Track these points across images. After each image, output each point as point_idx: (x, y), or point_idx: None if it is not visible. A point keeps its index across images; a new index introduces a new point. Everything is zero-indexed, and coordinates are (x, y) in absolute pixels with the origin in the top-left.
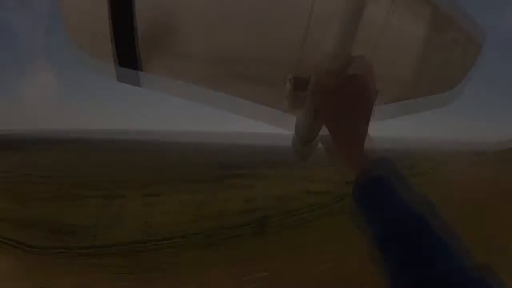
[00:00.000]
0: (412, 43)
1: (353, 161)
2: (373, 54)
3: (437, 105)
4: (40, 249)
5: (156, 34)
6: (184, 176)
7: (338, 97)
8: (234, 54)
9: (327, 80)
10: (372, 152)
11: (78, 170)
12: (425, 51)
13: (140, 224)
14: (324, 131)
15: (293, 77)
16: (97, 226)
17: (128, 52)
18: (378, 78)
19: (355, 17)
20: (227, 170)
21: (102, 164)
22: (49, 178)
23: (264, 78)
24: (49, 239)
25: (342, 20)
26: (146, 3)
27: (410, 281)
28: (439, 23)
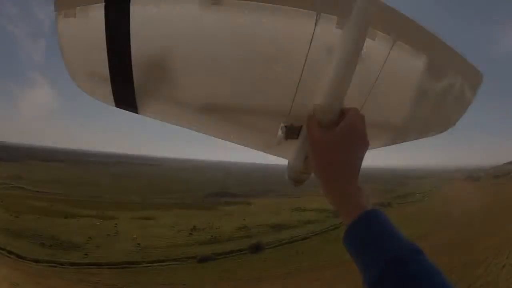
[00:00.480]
0: (407, 91)
1: (342, 210)
2: (369, 101)
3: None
4: (31, 261)
5: (152, 82)
6: (178, 201)
7: (328, 149)
8: (228, 104)
9: (318, 132)
10: (361, 202)
11: (72, 188)
12: (420, 98)
13: (132, 246)
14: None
15: (285, 126)
16: (88, 244)
17: (125, 96)
18: (373, 124)
19: (348, 74)
20: (221, 197)
21: (95, 184)
22: (43, 194)
23: (257, 126)
24: (40, 253)
25: (334, 75)
26: (143, 53)
27: None
28: (434, 71)
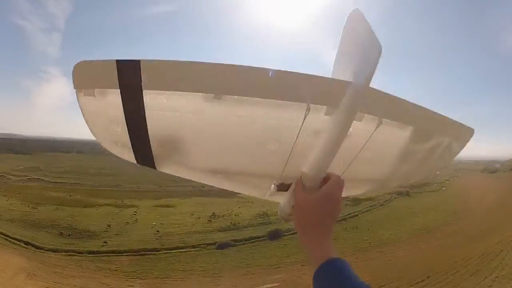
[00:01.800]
0: (392, 155)
1: (312, 258)
2: (354, 164)
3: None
4: (49, 251)
5: (167, 151)
6: (197, 189)
7: (307, 210)
8: (230, 170)
9: (302, 195)
10: (327, 254)
11: (90, 178)
12: (404, 159)
13: (151, 233)
14: None
15: (277, 184)
16: (108, 232)
17: (145, 160)
18: (358, 179)
19: (332, 152)
20: None
21: (114, 174)
22: (61, 184)
23: (254, 183)
24: (59, 242)
25: (320, 153)
26: (158, 131)
27: None
28: (420, 137)
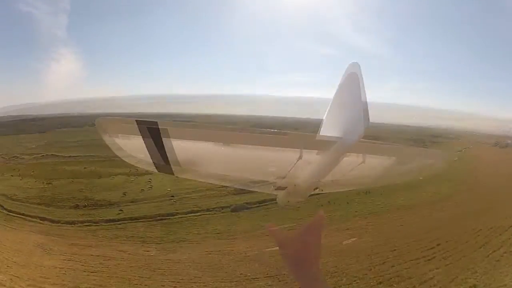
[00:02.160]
0: (377, 173)
1: None
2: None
3: None
4: (65, 224)
5: (184, 168)
6: None
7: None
8: (236, 179)
9: (282, 236)
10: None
11: (104, 149)
12: (387, 175)
13: (166, 198)
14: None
15: (275, 188)
16: (123, 200)
17: (166, 172)
18: (344, 185)
19: (321, 173)
20: None
21: None
22: (75, 158)
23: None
24: (74, 214)
25: (312, 171)
26: (177, 158)
27: None
28: (399, 163)
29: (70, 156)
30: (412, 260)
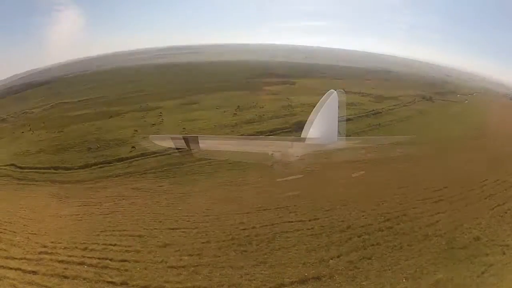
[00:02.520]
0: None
1: None
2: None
3: None
4: (78, 169)
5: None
6: (222, 83)
7: None
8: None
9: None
10: None
11: (113, 89)
12: None
13: (178, 132)
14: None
15: (272, 153)
16: (135, 137)
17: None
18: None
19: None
20: (265, 78)
21: (137, 80)
22: (84, 101)
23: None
24: (87, 158)
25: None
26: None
27: None
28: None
29: (79, 101)
30: (419, 200)
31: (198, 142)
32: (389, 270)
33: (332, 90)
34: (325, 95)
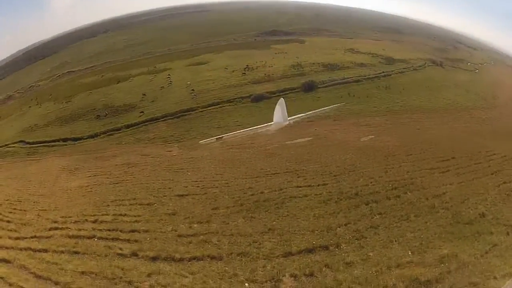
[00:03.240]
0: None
1: None
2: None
3: None
4: (87, 139)
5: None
6: (230, 42)
7: None
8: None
9: None
10: None
11: (121, 52)
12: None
13: (187, 93)
14: None
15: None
16: (143, 101)
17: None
18: None
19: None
20: (273, 36)
21: (143, 42)
22: (91, 68)
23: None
24: (96, 126)
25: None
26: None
27: None
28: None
29: (86, 68)
30: (427, 169)
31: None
32: (395, 241)
33: (282, 98)
34: (279, 101)
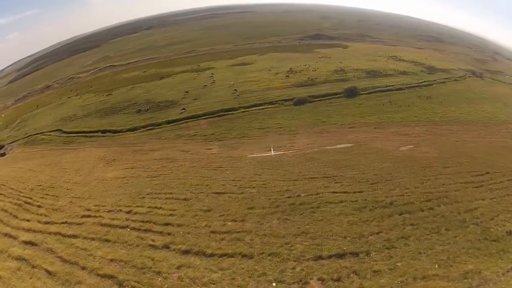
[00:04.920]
0: None
1: None
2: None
3: None
4: (127, 132)
5: None
6: (274, 44)
7: None
8: None
9: None
10: None
11: (163, 50)
12: None
13: (229, 93)
14: None
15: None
16: (185, 99)
17: None
18: None
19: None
20: (317, 40)
21: (186, 40)
22: (133, 64)
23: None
24: (136, 120)
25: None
26: None
27: None
28: None
29: (128, 63)
30: (461, 183)
31: None
32: (424, 253)
33: (272, 145)
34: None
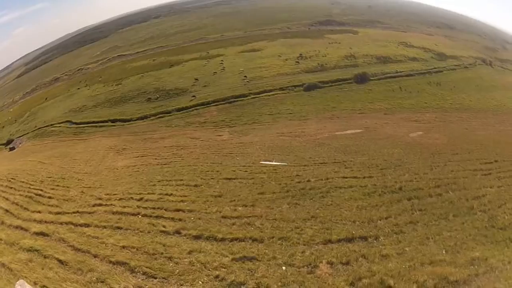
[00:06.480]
0: None
1: None
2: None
3: None
4: (137, 120)
5: None
6: (284, 30)
7: None
8: None
9: None
10: None
11: (172, 38)
12: None
13: (239, 79)
14: None
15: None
16: (195, 86)
17: None
18: None
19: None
20: (327, 26)
21: (196, 27)
22: (143, 52)
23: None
24: (147, 108)
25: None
26: None
27: None
28: None
29: (137, 53)
30: (470, 170)
31: None
32: (432, 239)
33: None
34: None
